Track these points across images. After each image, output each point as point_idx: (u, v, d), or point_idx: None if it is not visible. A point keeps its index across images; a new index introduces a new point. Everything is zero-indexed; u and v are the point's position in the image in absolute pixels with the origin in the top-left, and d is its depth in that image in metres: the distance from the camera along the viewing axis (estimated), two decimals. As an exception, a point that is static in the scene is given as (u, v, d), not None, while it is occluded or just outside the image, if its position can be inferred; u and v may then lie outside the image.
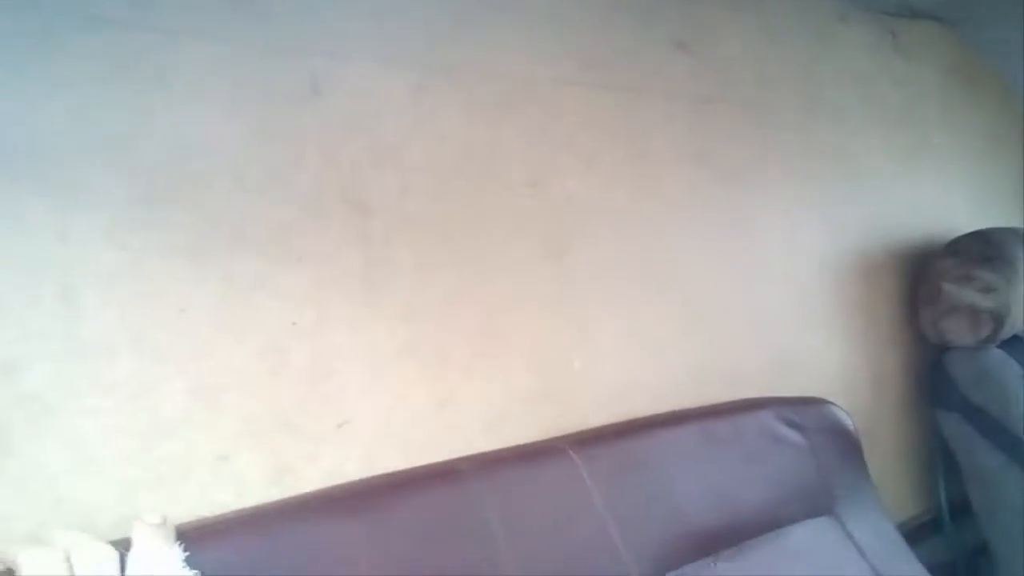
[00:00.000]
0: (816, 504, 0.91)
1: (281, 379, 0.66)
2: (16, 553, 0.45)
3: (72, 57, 0.57)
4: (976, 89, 1.49)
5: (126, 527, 0.50)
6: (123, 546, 0.49)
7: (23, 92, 0.55)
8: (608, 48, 0.92)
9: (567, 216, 0.86)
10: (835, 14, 1.22)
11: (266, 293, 0.65)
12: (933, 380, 1.26)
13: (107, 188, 0.58)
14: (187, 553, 0.50)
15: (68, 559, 0.46)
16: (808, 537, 0.88)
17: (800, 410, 0.96)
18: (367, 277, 0.71)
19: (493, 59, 0.82)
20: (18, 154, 0.55)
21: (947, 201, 1.40)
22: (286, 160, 0.67)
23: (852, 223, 1.22)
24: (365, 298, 0.71)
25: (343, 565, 0.59)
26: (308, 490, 0.64)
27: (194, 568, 0.50)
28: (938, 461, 1.27)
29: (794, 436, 0.94)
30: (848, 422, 1.00)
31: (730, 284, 1.03)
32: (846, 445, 0.99)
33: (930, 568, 0.95)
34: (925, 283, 1.25)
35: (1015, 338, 1.23)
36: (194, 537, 0.52)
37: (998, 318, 1.17)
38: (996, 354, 1.21)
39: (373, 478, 0.68)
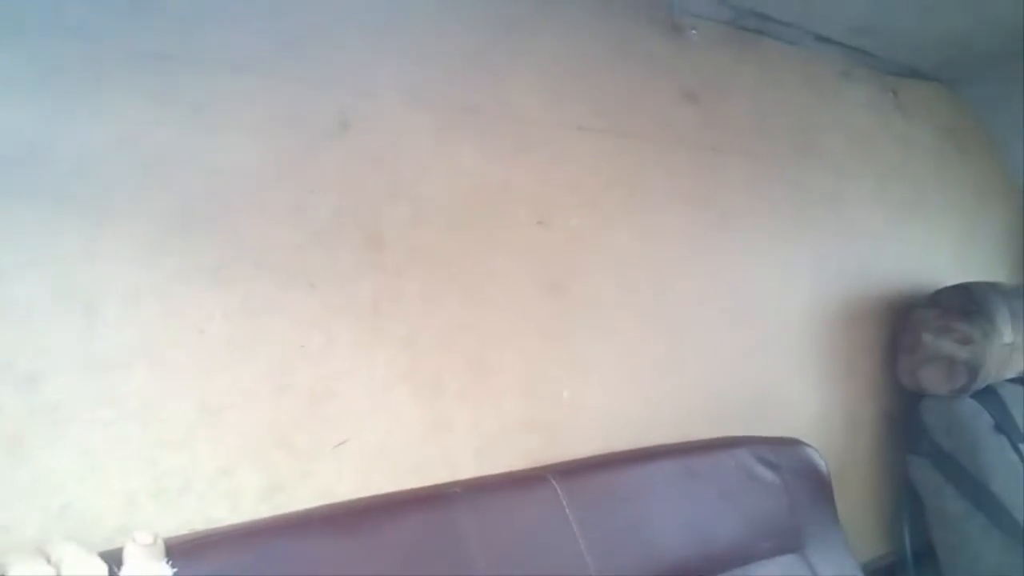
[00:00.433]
0: (786, 542, 0.94)
1: (284, 399, 0.68)
2: (6, 565, 0.45)
3: (117, 87, 0.60)
4: (967, 149, 1.53)
5: (126, 535, 0.51)
6: (117, 557, 0.50)
7: (72, 117, 0.58)
8: (619, 96, 0.95)
9: (568, 253, 0.89)
10: (838, 70, 1.26)
11: (278, 316, 0.68)
12: (907, 426, 1.29)
13: (139, 211, 0.61)
14: (175, 569, 0.51)
15: (58, 574, 0.46)
16: (776, 574, 0.90)
17: (776, 449, 0.98)
18: (375, 305, 0.74)
19: (510, 102, 0.85)
20: (61, 175, 0.58)
21: (933, 254, 1.43)
22: (310, 190, 0.70)
23: (840, 271, 1.25)
24: (371, 325, 0.73)
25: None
26: (297, 508, 0.66)
27: None
28: (905, 504, 1.30)
29: (769, 475, 0.96)
30: (821, 463, 1.03)
31: (718, 324, 1.06)
32: (818, 485, 1.01)
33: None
34: (906, 332, 1.28)
35: (988, 389, 1.26)
36: (184, 552, 0.54)
37: (973, 369, 1.20)
38: (969, 404, 1.24)
39: (362, 499, 0.70)
